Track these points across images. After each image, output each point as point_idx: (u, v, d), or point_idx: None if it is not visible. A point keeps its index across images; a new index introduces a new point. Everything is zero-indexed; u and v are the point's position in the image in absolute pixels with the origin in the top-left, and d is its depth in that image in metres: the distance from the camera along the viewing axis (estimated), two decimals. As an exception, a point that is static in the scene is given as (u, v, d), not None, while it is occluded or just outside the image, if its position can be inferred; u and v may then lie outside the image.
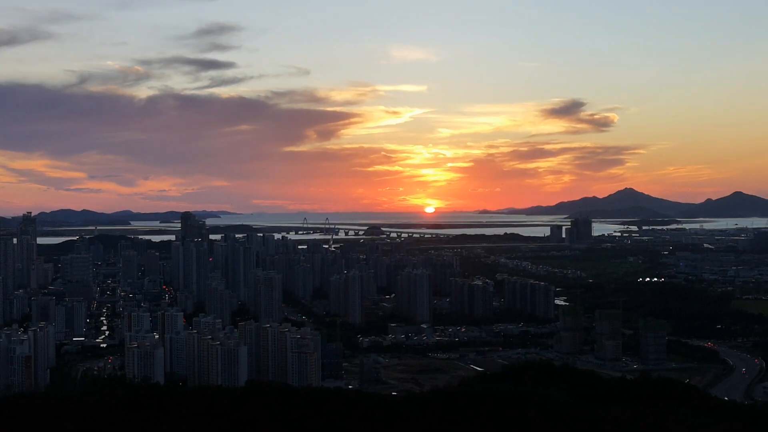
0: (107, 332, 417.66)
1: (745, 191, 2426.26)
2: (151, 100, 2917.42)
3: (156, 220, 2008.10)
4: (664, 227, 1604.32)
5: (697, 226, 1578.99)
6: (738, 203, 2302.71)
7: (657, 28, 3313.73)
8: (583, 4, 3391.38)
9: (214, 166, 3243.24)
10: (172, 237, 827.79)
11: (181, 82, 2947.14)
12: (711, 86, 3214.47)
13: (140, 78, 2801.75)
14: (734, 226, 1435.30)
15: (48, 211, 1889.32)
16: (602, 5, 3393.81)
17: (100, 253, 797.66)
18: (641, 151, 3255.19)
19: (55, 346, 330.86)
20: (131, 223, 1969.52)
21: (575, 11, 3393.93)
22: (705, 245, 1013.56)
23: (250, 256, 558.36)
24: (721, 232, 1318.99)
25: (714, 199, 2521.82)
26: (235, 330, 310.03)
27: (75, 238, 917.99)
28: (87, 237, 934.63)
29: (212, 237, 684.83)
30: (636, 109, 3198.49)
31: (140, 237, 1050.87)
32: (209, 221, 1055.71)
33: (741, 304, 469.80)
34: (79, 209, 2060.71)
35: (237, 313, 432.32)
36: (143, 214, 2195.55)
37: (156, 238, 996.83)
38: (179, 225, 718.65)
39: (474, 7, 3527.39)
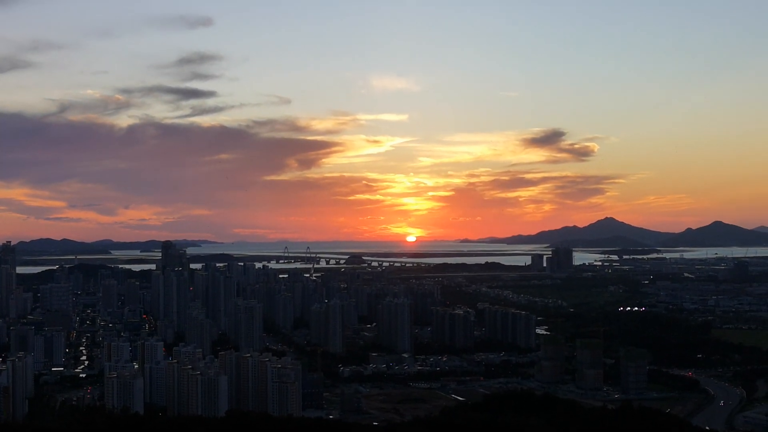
0: (86, 362, 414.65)
1: (724, 221, 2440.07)
2: (132, 129, 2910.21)
3: (136, 249, 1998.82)
4: (645, 256, 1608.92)
5: (677, 255, 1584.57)
6: (718, 233, 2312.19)
7: (636, 58, 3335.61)
8: (563, 34, 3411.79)
9: (195, 195, 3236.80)
10: (153, 266, 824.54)
11: (161, 111, 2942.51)
12: (690, 116, 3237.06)
13: (121, 107, 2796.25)
14: (714, 256, 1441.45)
15: (27, 241, 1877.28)
16: (582, 35, 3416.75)
17: (80, 282, 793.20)
18: (621, 181, 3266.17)
19: (33, 376, 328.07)
20: (111, 252, 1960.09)
21: (555, 41, 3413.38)
22: (685, 274, 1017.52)
23: (230, 285, 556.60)
24: (701, 261, 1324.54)
25: (694, 228, 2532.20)
26: (216, 360, 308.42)
27: (55, 268, 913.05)
28: (67, 266, 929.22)
29: (193, 266, 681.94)
30: (616, 139, 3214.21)
31: (120, 266, 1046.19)
32: (190, 250, 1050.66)
33: (721, 333, 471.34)
34: (59, 238, 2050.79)
35: (217, 343, 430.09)
36: (124, 243, 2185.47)
37: (136, 268, 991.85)
38: (160, 254, 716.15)
39: (454, 36, 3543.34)
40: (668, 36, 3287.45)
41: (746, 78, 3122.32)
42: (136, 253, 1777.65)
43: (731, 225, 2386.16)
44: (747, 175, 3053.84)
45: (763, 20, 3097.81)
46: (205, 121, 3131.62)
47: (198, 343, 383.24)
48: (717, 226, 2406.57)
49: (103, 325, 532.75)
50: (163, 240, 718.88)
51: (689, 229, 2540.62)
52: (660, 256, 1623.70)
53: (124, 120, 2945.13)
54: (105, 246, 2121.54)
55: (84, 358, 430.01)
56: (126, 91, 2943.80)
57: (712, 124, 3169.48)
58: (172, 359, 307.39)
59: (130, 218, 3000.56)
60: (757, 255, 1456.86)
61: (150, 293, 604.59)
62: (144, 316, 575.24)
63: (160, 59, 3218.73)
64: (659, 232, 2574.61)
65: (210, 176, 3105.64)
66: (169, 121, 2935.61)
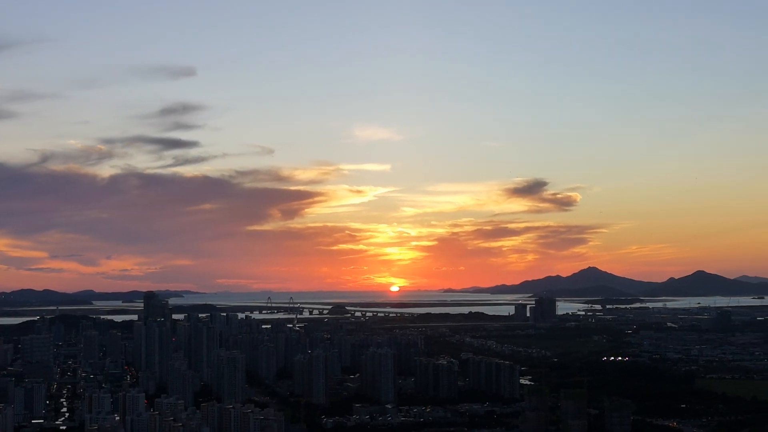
0: (67, 414, 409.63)
1: (707, 270, 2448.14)
2: (114, 179, 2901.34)
3: (118, 299, 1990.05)
4: (628, 306, 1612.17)
5: (660, 304, 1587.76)
6: (700, 282, 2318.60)
7: (618, 109, 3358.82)
8: (545, 85, 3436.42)
9: (178, 245, 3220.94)
10: (135, 317, 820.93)
11: (144, 161, 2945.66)
12: (672, 166, 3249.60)
13: (103, 157, 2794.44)
14: (697, 305, 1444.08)
15: (9, 291, 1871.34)
16: (564, 86, 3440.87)
17: (61, 333, 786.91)
18: (604, 230, 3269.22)
19: (13, 429, 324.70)
20: (93, 302, 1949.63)
21: (537, 91, 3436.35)
22: (668, 324, 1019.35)
23: (213, 335, 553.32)
24: (684, 310, 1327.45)
25: (676, 278, 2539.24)
26: (198, 411, 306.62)
27: (35, 318, 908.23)
28: (48, 317, 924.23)
29: (175, 317, 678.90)
30: (598, 189, 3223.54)
31: (102, 317, 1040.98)
32: (172, 301, 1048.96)
33: (705, 383, 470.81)
34: (41, 289, 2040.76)
35: (200, 394, 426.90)
36: (105, 293, 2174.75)
37: (118, 318, 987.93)
38: (142, 305, 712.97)
39: (437, 87, 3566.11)
40: (650, 87, 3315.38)
41: (727, 129, 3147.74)
42: (118, 304, 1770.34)
43: (714, 274, 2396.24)
44: (729, 225, 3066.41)
45: (744, 72, 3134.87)
46: (188, 171, 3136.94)
47: (180, 395, 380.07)
48: (699, 275, 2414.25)
49: (84, 376, 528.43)
50: (145, 290, 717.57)
51: (672, 279, 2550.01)
52: (643, 305, 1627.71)
53: (106, 170, 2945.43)
54: (87, 296, 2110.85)
55: (65, 410, 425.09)
56: (108, 141, 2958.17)
57: (693, 175, 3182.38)
58: (153, 411, 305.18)
59: (112, 268, 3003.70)
60: (740, 304, 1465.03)
61: (132, 344, 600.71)
62: (126, 367, 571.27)
63: (143, 109, 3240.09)
64: (642, 282, 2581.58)
65: (192, 226, 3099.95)
66: (151, 171, 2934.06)
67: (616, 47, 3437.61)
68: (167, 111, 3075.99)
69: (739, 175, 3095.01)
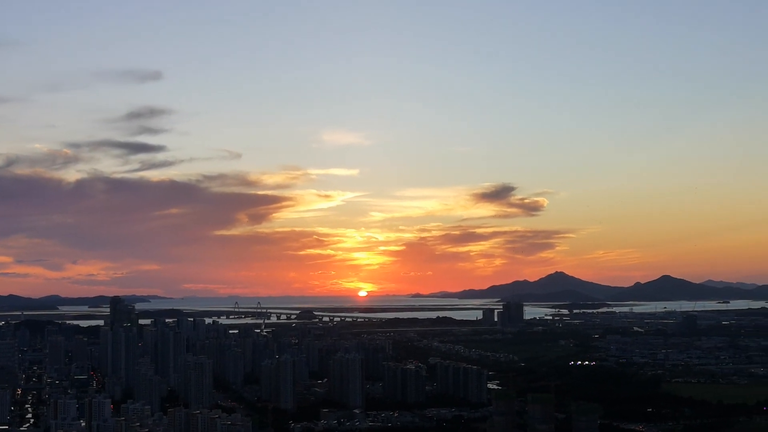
0: (32, 420, 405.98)
1: (673, 275, 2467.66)
2: (80, 184, 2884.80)
3: (85, 304, 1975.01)
4: (595, 310, 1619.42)
5: (626, 309, 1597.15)
6: (666, 287, 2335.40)
7: (585, 115, 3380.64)
8: (513, 90, 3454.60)
9: (144, 250, 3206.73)
10: (101, 322, 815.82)
11: (110, 166, 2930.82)
12: (639, 172, 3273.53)
13: (69, 161, 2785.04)
14: (663, 310, 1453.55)
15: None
16: (531, 90, 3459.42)
17: (26, 338, 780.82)
18: (571, 235, 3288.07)
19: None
20: (59, 308, 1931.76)
21: (505, 96, 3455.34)
22: (635, 328, 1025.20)
23: (180, 340, 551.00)
24: (651, 315, 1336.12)
25: (643, 282, 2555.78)
26: (165, 417, 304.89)
27: (0, 324, 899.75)
28: (13, 322, 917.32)
29: (142, 322, 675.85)
30: (565, 194, 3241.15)
31: (68, 322, 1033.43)
32: (139, 306, 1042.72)
33: (671, 387, 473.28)
34: (6, 294, 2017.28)
35: (166, 400, 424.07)
36: (72, 298, 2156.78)
37: (84, 323, 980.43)
38: (108, 310, 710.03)
39: (405, 92, 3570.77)
40: (617, 93, 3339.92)
41: (692, 136, 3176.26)
42: (85, 309, 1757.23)
43: (679, 279, 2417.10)
44: (694, 230, 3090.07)
45: (710, 79, 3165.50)
46: (155, 175, 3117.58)
47: (147, 400, 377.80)
48: (665, 280, 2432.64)
49: (49, 382, 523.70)
50: (111, 295, 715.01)
51: (638, 284, 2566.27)
52: (610, 310, 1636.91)
53: (72, 174, 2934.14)
54: (52, 302, 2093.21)
55: (30, 416, 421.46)
56: (74, 145, 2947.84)
57: (659, 180, 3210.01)
58: (120, 417, 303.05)
59: (78, 273, 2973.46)
60: (705, 309, 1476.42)
61: (98, 349, 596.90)
62: (92, 372, 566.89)
63: (109, 113, 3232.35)
64: (609, 287, 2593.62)
65: (159, 231, 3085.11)
66: (118, 176, 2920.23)
67: (583, 53, 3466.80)
68: (134, 115, 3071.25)
69: (705, 181, 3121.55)
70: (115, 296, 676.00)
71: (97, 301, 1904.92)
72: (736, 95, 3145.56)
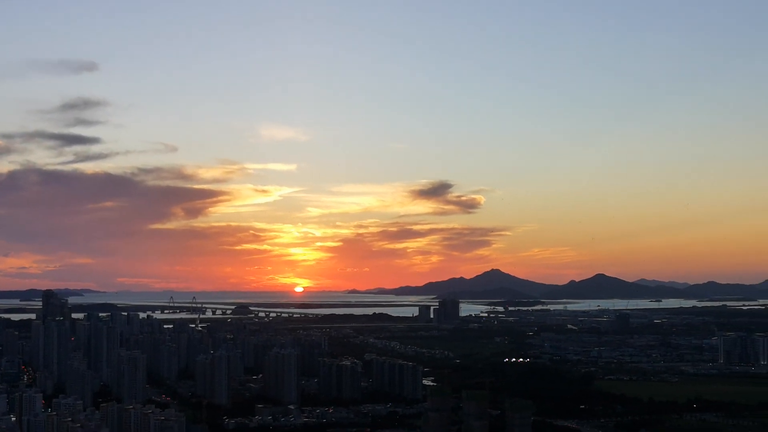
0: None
1: (607, 273, 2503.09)
2: (12, 175, 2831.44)
3: (16, 298, 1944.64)
4: (529, 308, 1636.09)
5: (560, 307, 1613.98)
6: (600, 285, 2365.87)
7: (523, 113, 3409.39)
8: (451, 87, 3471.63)
9: (78, 244, 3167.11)
10: (33, 316, 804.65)
11: (43, 157, 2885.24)
12: (573, 171, 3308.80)
13: (1, 152, 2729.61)
14: (596, 308, 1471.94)
15: None
16: (469, 87, 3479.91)
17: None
18: (507, 233, 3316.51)
19: None
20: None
21: (443, 93, 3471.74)
22: (569, 326, 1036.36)
23: (113, 335, 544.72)
24: (584, 313, 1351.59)
25: (577, 280, 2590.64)
26: (97, 412, 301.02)
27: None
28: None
29: (75, 316, 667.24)
30: (501, 192, 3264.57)
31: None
32: (72, 299, 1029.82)
33: (603, 384, 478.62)
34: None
35: (99, 395, 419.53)
36: (2, 291, 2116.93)
37: (15, 317, 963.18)
38: (40, 303, 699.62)
39: (343, 87, 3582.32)
40: (555, 92, 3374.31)
41: (627, 137, 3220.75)
42: (16, 302, 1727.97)
43: (613, 278, 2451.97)
44: (628, 230, 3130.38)
45: (648, 80, 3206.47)
46: (89, 167, 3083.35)
47: (79, 395, 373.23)
48: (599, 278, 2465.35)
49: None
50: (44, 289, 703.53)
51: (572, 282, 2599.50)
52: (544, 307, 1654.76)
53: (4, 166, 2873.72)
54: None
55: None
56: (6, 136, 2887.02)
57: (595, 179, 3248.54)
58: (51, 411, 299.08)
59: (10, 266, 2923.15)
60: (638, 307, 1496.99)
61: (29, 343, 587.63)
62: (23, 367, 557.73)
63: (43, 104, 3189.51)
64: (544, 284, 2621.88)
65: (93, 224, 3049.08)
66: (51, 168, 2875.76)
67: (522, 54, 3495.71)
68: (68, 106, 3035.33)
69: (639, 180, 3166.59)
70: (47, 290, 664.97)
71: (28, 294, 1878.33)
72: (667, 100, 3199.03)
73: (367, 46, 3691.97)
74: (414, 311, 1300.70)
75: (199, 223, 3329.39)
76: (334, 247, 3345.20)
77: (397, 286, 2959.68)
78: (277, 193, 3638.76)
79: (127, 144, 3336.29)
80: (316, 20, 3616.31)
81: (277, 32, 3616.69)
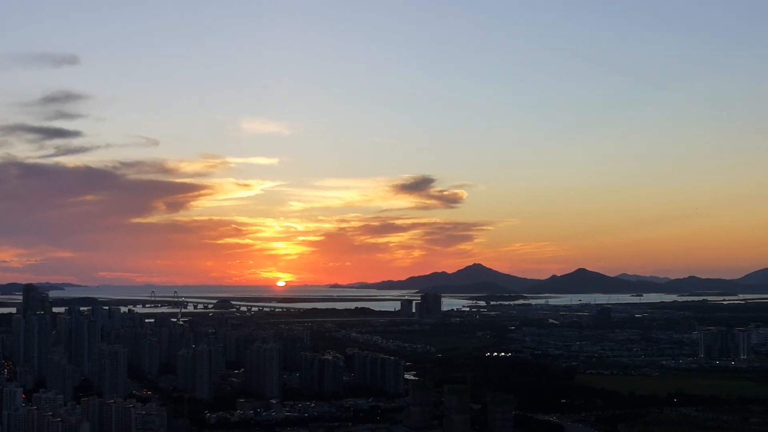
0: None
1: (588, 268, 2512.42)
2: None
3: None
4: (511, 302, 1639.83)
5: (542, 301, 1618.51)
6: (581, 280, 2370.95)
7: (506, 109, 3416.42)
8: (434, 82, 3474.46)
9: (59, 238, 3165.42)
10: (13, 310, 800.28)
11: (24, 151, 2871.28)
12: (555, 166, 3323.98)
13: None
14: (578, 302, 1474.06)
15: None
16: (452, 82, 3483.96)
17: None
18: (489, 228, 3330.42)
19: None
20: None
21: (427, 88, 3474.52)
22: (550, 320, 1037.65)
23: (94, 329, 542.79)
24: (566, 307, 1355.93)
25: (558, 275, 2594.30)
26: (78, 406, 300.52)
27: None
28: None
29: (56, 310, 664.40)
30: (483, 187, 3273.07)
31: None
32: (53, 293, 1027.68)
33: (585, 378, 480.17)
34: None
35: (80, 389, 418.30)
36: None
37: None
38: (21, 297, 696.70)
39: (326, 81, 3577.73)
40: (538, 88, 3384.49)
41: (609, 133, 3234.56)
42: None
43: (594, 272, 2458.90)
44: (609, 225, 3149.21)
45: (632, 77, 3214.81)
46: (70, 161, 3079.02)
47: (59, 389, 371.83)
48: (581, 273, 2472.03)
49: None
50: (24, 283, 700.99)
51: (554, 276, 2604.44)
52: (526, 302, 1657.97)
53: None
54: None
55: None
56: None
57: (576, 175, 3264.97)
58: (31, 406, 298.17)
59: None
60: (619, 302, 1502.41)
61: (10, 337, 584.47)
62: (3, 361, 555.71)
63: (23, 97, 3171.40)
64: (525, 279, 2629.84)
65: (74, 218, 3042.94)
66: (32, 161, 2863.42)
67: (505, 49, 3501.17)
68: (49, 99, 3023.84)
69: (620, 177, 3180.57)
70: (28, 283, 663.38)
71: (9, 288, 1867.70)
72: (648, 96, 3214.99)
73: (349, 40, 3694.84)
74: (396, 306, 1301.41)
75: (180, 217, 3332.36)
76: (317, 242, 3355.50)
77: (379, 281, 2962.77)
78: (259, 187, 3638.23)
79: (108, 137, 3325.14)
80: (298, 14, 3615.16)
81: (260, 26, 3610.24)
